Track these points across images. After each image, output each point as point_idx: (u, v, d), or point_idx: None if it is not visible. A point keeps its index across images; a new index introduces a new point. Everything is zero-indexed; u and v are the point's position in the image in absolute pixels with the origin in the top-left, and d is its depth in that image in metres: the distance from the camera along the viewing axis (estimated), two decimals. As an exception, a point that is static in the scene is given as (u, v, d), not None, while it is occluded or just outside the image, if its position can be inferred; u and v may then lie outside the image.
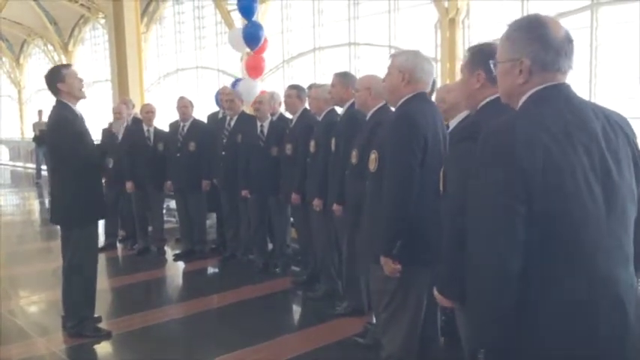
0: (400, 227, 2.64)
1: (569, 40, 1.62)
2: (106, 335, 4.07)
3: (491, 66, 1.74)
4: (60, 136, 3.86)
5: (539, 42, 1.59)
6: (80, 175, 3.89)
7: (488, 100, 2.12)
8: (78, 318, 4.01)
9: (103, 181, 6.77)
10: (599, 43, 9.10)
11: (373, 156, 2.83)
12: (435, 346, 3.01)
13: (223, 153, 5.77)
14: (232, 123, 5.81)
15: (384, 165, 2.75)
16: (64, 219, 4.05)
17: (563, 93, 1.61)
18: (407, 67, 2.75)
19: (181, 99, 6.18)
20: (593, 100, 9.42)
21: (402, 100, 2.79)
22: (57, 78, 3.85)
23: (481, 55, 2.16)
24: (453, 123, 3.16)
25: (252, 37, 7.89)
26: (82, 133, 3.92)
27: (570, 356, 1.50)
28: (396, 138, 2.68)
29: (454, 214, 1.95)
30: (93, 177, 4.01)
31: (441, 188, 2.25)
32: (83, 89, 3.95)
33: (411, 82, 2.75)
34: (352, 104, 4.06)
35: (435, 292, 2.15)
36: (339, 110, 4.55)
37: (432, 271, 2.71)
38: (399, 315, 2.80)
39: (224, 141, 5.80)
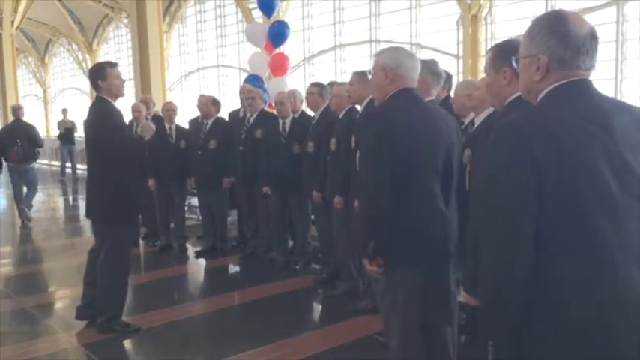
0: (374, 227, 2.57)
1: (592, 38, 1.56)
2: (134, 331, 4.10)
3: (513, 62, 1.72)
4: (99, 129, 3.92)
5: (557, 38, 1.55)
6: (117, 172, 3.91)
7: (514, 96, 2.09)
8: (107, 315, 4.05)
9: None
10: (626, 39, 8.95)
11: (358, 154, 2.79)
12: (443, 346, 2.90)
13: (241, 148, 5.80)
14: (252, 120, 5.83)
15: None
16: (99, 215, 4.08)
17: (582, 89, 1.57)
18: (389, 65, 2.70)
19: (202, 97, 6.22)
20: (619, 97, 9.27)
21: (386, 97, 2.73)
22: (99, 75, 3.93)
23: (505, 52, 2.14)
24: (478, 120, 3.13)
25: (278, 35, 7.96)
26: (122, 128, 4.00)
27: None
28: (364, 137, 2.66)
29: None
30: (130, 175, 4.01)
31: (467, 186, 2.23)
32: (123, 89, 4.03)
33: (395, 79, 2.69)
34: (371, 101, 4.03)
35: (462, 291, 2.14)
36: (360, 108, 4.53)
37: (418, 273, 2.64)
38: (392, 315, 2.74)
39: (242, 137, 5.82)
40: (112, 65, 4.02)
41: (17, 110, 8.73)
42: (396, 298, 2.69)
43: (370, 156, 2.61)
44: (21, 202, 8.38)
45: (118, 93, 4.00)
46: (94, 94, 4.04)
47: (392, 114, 2.61)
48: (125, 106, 6.89)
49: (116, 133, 3.89)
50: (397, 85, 2.69)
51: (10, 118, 20.23)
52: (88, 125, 4.03)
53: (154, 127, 4.26)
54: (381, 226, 2.53)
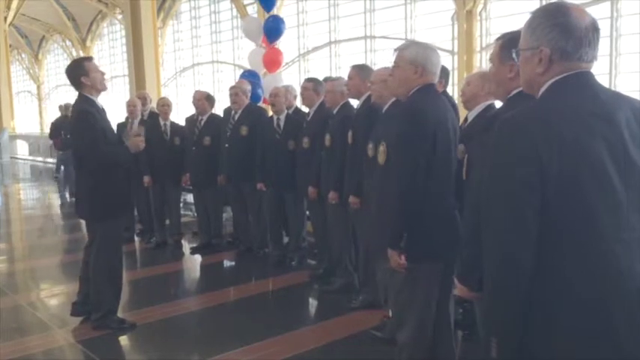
0: (406, 220, 2.61)
1: (594, 29, 1.55)
2: (130, 327, 4.09)
3: (514, 55, 1.70)
4: (82, 130, 3.86)
5: (559, 30, 1.53)
6: (101, 170, 3.88)
7: (516, 91, 2.08)
8: (102, 311, 4.03)
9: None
10: (620, 34, 8.98)
11: (382, 148, 2.80)
12: (448, 339, 2.93)
13: (226, 145, 5.78)
14: (236, 117, 5.79)
15: (391, 157, 2.73)
16: (86, 213, 4.09)
17: (584, 81, 1.55)
18: (419, 60, 2.70)
19: (197, 92, 6.20)
20: (613, 92, 9.32)
21: (411, 92, 2.74)
22: (80, 72, 3.84)
23: (513, 45, 2.12)
24: (472, 114, 3.13)
25: (274, 30, 7.93)
26: (104, 128, 3.92)
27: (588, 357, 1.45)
28: (403, 131, 2.65)
29: (477, 203, 1.92)
30: (115, 172, 3.96)
31: (464, 176, 2.22)
32: (105, 82, 3.96)
33: (423, 74, 2.71)
34: (369, 97, 4.03)
35: (456, 282, 2.13)
36: (355, 103, 4.52)
37: (441, 267, 2.69)
38: (408, 310, 2.76)
39: (227, 134, 5.79)
40: (89, 59, 3.97)
41: (65, 108, 11.19)
42: (414, 293, 2.72)
43: (406, 151, 2.61)
44: (68, 180, 10.59)
45: (102, 87, 3.92)
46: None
47: (430, 110, 2.64)
48: (120, 102, 6.84)
49: (98, 134, 3.80)
50: (423, 81, 2.71)
51: (5, 116, 20.15)
52: (73, 125, 4.01)
53: (142, 144, 4.02)
54: (412, 219, 2.57)
